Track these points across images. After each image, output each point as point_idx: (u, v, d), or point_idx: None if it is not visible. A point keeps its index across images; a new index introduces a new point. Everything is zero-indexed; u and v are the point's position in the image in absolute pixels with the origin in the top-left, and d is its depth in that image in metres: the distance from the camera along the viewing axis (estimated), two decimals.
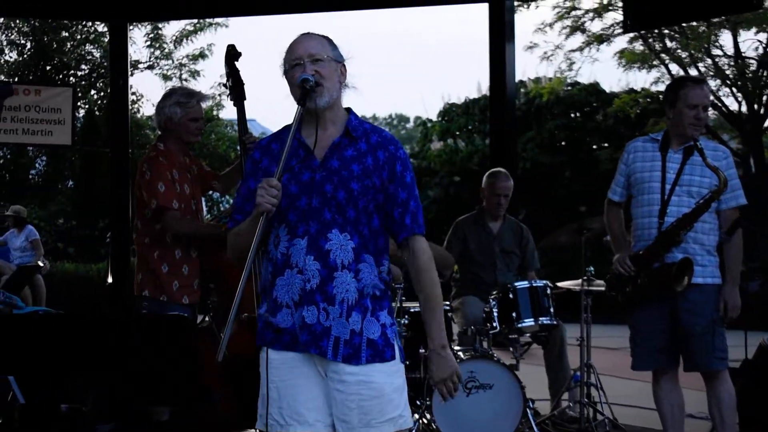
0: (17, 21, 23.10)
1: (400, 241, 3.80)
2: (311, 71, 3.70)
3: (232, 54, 6.35)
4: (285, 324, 3.67)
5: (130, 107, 12.21)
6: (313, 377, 3.70)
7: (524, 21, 46.32)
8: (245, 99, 6.29)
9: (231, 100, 6.34)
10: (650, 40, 19.48)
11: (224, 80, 6.42)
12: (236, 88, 6.30)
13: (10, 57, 23.88)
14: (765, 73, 19.33)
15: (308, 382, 3.70)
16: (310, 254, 3.62)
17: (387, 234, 3.80)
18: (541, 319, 6.70)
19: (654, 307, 5.65)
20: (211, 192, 23.48)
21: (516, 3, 17.46)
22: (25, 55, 23.67)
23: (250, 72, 6.40)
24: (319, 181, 3.67)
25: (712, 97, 19.09)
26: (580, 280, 7.12)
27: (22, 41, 23.71)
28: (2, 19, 22.66)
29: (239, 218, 3.81)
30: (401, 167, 3.78)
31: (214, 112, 24.89)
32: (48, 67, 23.60)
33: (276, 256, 3.70)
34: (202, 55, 24.17)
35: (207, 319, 6.23)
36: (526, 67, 39.83)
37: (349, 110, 3.85)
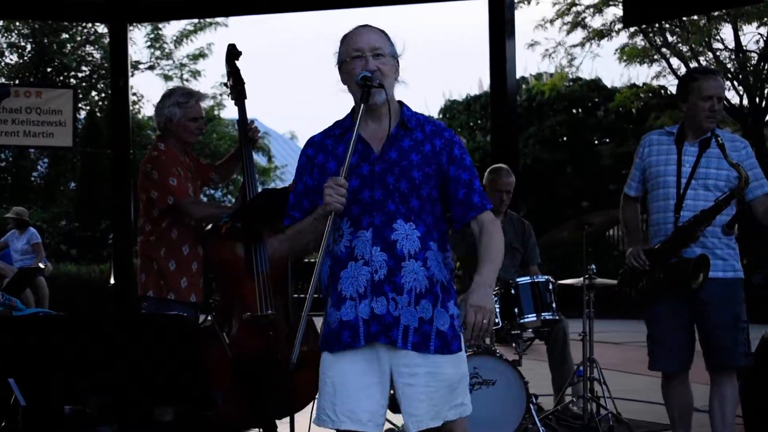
0: (17, 23, 23.11)
1: (468, 220, 3.82)
2: (374, 66, 3.70)
3: (233, 53, 6.37)
4: (348, 317, 3.69)
5: (130, 108, 12.22)
6: (373, 376, 3.71)
7: (525, 18, 46.26)
8: (246, 98, 6.31)
9: (232, 99, 6.37)
10: (651, 34, 19.47)
11: (225, 80, 6.45)
12: (237, 87, 6.32)
13: (11, 59, 23.94)
14: (766, 67, 19.32)
15: (366, 381, 3.71)
16: (377, 245, 3.66)
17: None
18: (543, 314, 6.69)
19: (672, 303, 5.53)
20: (212, 191, 23.46)
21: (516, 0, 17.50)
22: (26, 57, 23.70)
23: (250, 71, 6.40)
24: (380, 173, 3.71)
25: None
26: (581, 278, 7.11)
27: (23, 43, 23.75)
28: (2, 21, 22.66)
29: (297, 215, 3.86)
30: (459, 150, 3.84)
31: (215, 112, 24.92)
32: (48, 69, 23.61)
33: (339, 250, 3.72)
34: (202, 55, 24.21)
35: (209, 318, 6.23)
36: (528, 64, 39.81)
37: (401, 103, 3.86)
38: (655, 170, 5.61)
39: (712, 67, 19.31)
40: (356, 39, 3.76)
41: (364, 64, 3.70)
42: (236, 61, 6.37)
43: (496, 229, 3.85)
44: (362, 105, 3.66)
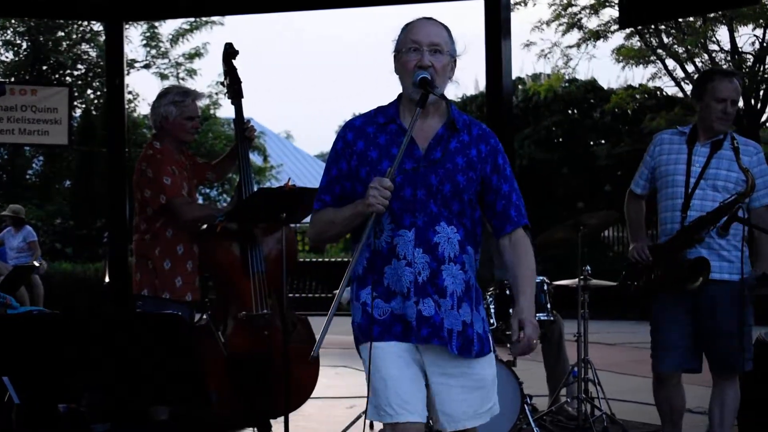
0: (12, 21, 23.08)
1: (504, 234, 3.81)
2: (428, 62, 3.63)
3: (230, 52, 6.39)
4: (400, 311, 3.65)
5: (126, 106, 12.20)
6: (416, 368, 3.69)
7: (521, 20, 46.28)
8: (243, 97, 6.32)
9: (229, 98, 6.39)
10: (646, 35, 19.48)
11: (222, 79, 6.46)
12: (234, 86, 6.34)
13: (6, 57, 23.87)
14: (762, 68, 19.33)
15: (413, 373, 3.68)
16: (419, 247, 3.63)
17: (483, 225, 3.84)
18: (538, 314, 6.68)
19: (674, 305, 5.53)
20: (207, 190, 23.48)
21: (513, 1, 17.50)
22: (21, 55, 23.65)
23: (246, 70, 6.41)
24: (423, 173, 3.65)
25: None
26: (576, 279, 7.12)
27: (18, 41, 23.69)
28: None
29: (327, 199, 3.79)
30: (502, 160, 3.82)
31: (211, 111, 24.89)
32: (44, 67, 23.58)
33: (380, 244, 3.66)
34: (198, 54, 24.16)
35: (205, 316, 6.24)
36: (524, 65, 39.79)
37: (448, 101, 3.74)
38: (664, 169, 5.60)
39: (709, 68, 19.35)
40: (416, 31, 3.69)
41: (420, 59, 3.64)
42: (233, 60, 6.38)
43: (525, 250, 3.83)
44: (417, 108, 3.59)
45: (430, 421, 3.85)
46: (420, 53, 3.64)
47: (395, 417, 3.62)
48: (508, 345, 6.66)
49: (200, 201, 22.52)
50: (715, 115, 5.51)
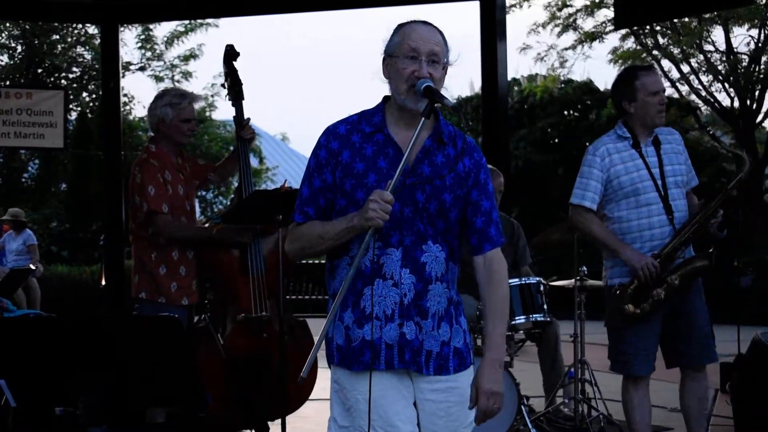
0: (7, 24, 23.07)
1: (481, 253, 3.61)
2: (426, 73, 3.42)
3: (231, 54, 6.38)
4: (370, 337, 3.44)
5: (122, 109, 12.20)
6: (401, 387, 3.52)
7: (516, 22, 46.31)
8: (244, 99, 6.31)
9: (229, 100, 6.37)
10: (642, 36, 19.50)
11: (221, 80, 6.47)
12: (235, 88, 6.33)
13: (1, 60, 23.89)
14: (757, 69, 19.36)
15: (397, 393, 3.50)
16: (406, 267, 3.45)
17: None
18: (533, 315, 6.69)
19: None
20: (204, 193, 23.40)
21: (508, 2, 17.50)
22: (16, 59, 23.65)
23: (242, 72, 6.41)
24: (410, 188, 3.45)
25: (704, 93, 19.16)
26: (573, 280, 7.12)
27: (13, 44, 23.69)
28: None
29: (311, 212, 3.54)
30: (484, 175, 3.61)
31: (207, 113, 24.91)
32: (39, 70, 23.56)
33: (363, 264, 3.43)
34: (193, 56, 24.17)
35: (204, 318, 6.23)
36: (519, 66, 39.84)
37: (437, 113, 3.54)
38: (627, 178, 5.45)
39: (702, 69, 19.40)
40: (415, 37, 3.47)
41: (418, 70, 3.42)
42: (234, 62, 6.38)
43: (502, 275, 3.65)
44: (423, 119, 3.37)
45: None
46: (418, 62, 3.44)
47: None
48: (509, 354, 6.68)
49: (197, 204, 22.51)
50: (655, 109, 5.45)
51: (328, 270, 3.60)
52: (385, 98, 3.60)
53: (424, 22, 3.55)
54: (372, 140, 3.50)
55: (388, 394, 3.47)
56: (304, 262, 22.35)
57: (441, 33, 3.55)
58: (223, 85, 6.46)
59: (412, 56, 3.44)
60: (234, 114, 6.33)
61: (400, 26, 3.55)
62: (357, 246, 3.39)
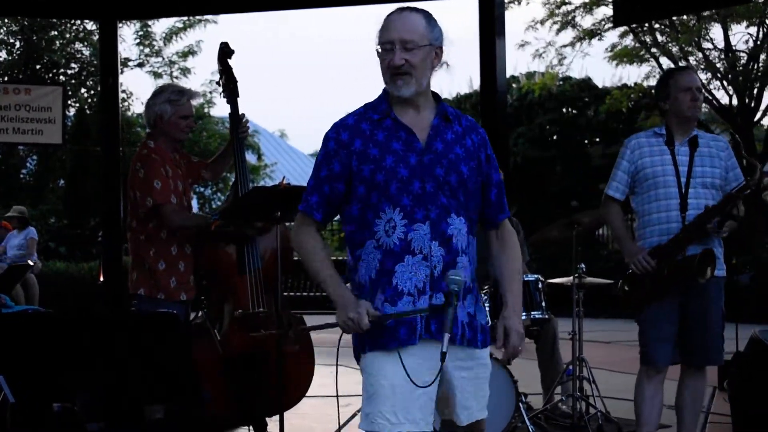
0: (6, 20, 23.03)
1: (496, 223, 3.86)
2: (400, 60, 3.56)
3: (225, 52, 6.39)
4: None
5: (120, 105, 12.18)
6: (425, 373, 3.54)
7: (514, 19, 46.32)
8: (239, 96, 6.32)
9: (224, 97, 6.37)
10: (640, 34, 19.50)
11: (217, 78, 6.46)
12: (229, 86, 6.34)
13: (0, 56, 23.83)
14: (755, 66, 19.36)
15: (420, 380, 3.54)
16: (435, 240, 3.57)
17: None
18: (532, 313, 6.69)
19: (666, 301, 5.54)
20: (202, 189, 23.43)
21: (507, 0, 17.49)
22: (15, 55, 23.59)
23: (240, 69, 6.41)
24: (428, 165, 3.60)
25: (703, 91, 19.16)
26: (571, 277, 7.12)
27: (11, 40, 23.64)
28: None
29: (314, 200, 3.68)
30: (490, 150, 3.81)
31: (205, 110, 24.88)
32: (37, 66, 23.52)
33: (392, 242, 3.57)
34: (191, 52, 24.14)
35: (201, 315, 6.23)
36: (518, 63, 39.89)
37: (434, 92, 3.74)
38: (651, 171, 5.58)
39: (701, 67, 19.39)
40: (389, 28, 3.61)
41: (390, 59, 3.58)
42: (229, 60, 6.38)
43: (514, 241, 3.88)
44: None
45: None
46: (393, 52, 3.58)
47: (396, 426, 3.56)
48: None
49: (194, 200, 22.52)
50: (686, 104, 5.60)
51: (351, 262, 3.72)
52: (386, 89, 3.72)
53: (400, 10, 3.65)
54: (382, 126, 3.64)
55: (408, 380, 3.52)
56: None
57: (421, 14, 3.65)
58: (218, 83, 6.48)
59: (387, 48, 3.59)
60: (229, 111, 6.33)
61: (386, 18, 3.66)
62: (381, 227, 3.56)
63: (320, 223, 3.73)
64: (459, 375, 3.66)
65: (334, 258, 21.13)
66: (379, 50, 3.62)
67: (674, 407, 5.78)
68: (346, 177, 3.63)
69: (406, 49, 3.57)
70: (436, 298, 3.56)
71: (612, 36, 20.11)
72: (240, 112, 6.27)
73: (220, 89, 6.41)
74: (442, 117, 3.69)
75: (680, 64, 19.34)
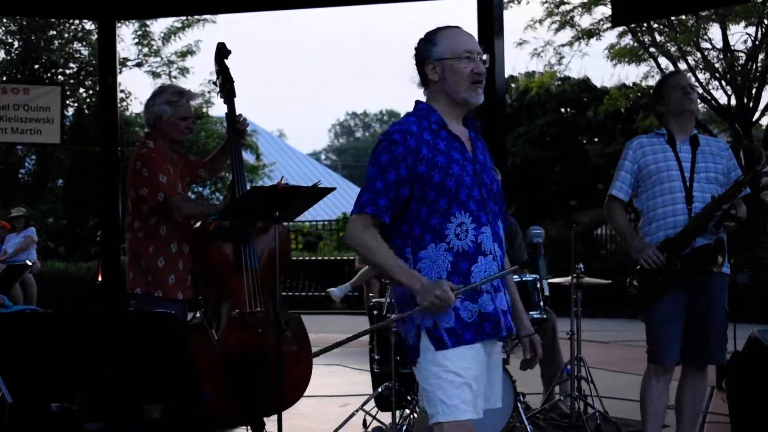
0: (4, 20, 23.03)
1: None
2: (483, 69, 3.90)
3: (222, 52, 6.40)
4: (487, 308, 3.80)
5: (119, 105, 12.17)
6: (488, 360, 3.88)
7: (514, 18, 46.32)
8: (236, 96, 6.33)
9: (221, 97, 6.38)
10: (639, 34, 19.50)
11: (214, 78, 6.47)
12: (226, 86, 6.35)
13: None
14: (754, 66, 19.36)
15: (488, 369, 3.88)
16: (495, 242, 3.85)
17: None
18: (530, 313, 6.67)
19: (674, 299, 5.54)
20: (201, 188, 23.34)
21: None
22: (13, 54, 23.59)
23: (239, 69, 6.42)
24: (479, 173, 3.88)
25: (701, 91, 19.15)
26: (569, 277, 7.12)
27: (10, 40, 23.64)
28: None
29: (382, 203, 3.79)
30: None
31: (204, 110, 24.87)
32: (36, 66, 23.52)
33: (465, 244, 3.78)
34: (190, 52, 24.13)
35: (198, 314, 6.23)
36: (516, 63, 39.91)
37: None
38: (654, 167, 5.63)
39: (700, 66, 19.40)
40: (467, 40, 3.91)
41: (476, 66, 3.86)
42: (225, 60, 6.39)
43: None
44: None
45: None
46: (473, 61, 3.86)
47: (478, 413, 3.79)
48: (506, 351, 6.69)
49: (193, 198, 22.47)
50: (679, 98, 5.69)
51: (410, 262, 3.82)
52: (417, 101, 3.99)
53: (460, 27, 3.98)
54: (440, 136, 3.86)
55: (483, 372, 3.83)
56: (300, 258, 22.10)
57: None
58: (215, 83, 6.48)
59: (468, 56, 3.87)
60: (226, 111, 6.35)
61: (438, 33, 3.95)
62: (452, 231, 3.76)
63: (386, 225, 3.84)
64: (492, 367, 3.94)
65: (332, 258, 21.18)
66: (454, 58, 3.86)
67: (674, 407, 5.78)
68: (411, 182, 3.78)
69: (482, 60, 3.91)
70: (507, 295, 3.91)
71: (610, 36, 20.14)
72: (237, 112, 6.28)
73: (218, 89, 6.42)
74: (473, 129, 3.98)
75: (679, 64, 19.35)
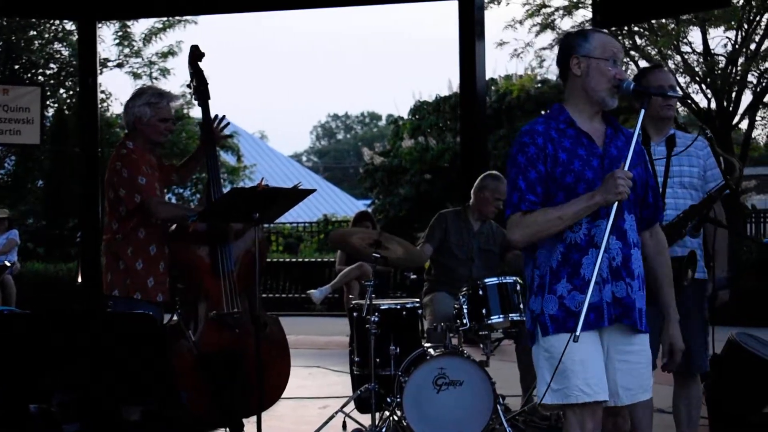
0: None
1: (652, 225, 4.29)
2: (626, 76, 4.07)
3: (196, 54, 6.43)
4: (593, 299, 3.86)
5: (99, 106, 12.16)
6: (598, 350, 3.99)
7: (494, 18, 46.39)
8: (209, 98, 6.34)
9: (195, 100, 6.40)
10: (619, 37, 19.56)
11: (189, 81, 6.48)
12: (200, 88, 6.36)
13: None
14: (734, 70, 19.45)
15: (599, 357, 3.98)
16: (612, 234, 3.92)
17: None
18: (510, 315, 6.68)
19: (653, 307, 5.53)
20: (181, 190, 23.27)
21: (486, 0, 17.53)
22: None
23: (220, 70, 6.42)
24: (608, 167, 3.98)
25: (680, 93, 19.22)
26: None
27: None
28: None
29: (533, 199, 4.01)
30: (646, 156, 4.36)
31: (185, 111, 24.82)
32: (16, 66, 23.42)
33: (578, 237, 3.96)
34: (171, 53, 24.08)
35: (175, 316, 6.22)
36: (497, 65, 39.95)
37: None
38: None
39: (680, 70, 19.47)
40: (617, 46, 4.08)
41: (618, 72, 4.03)
42: (199, 63, 6.40)
43: (664, 246, 4.38)
44: (642, 111, 4.00)
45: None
46: (617, 68, 4.04)
47: (592, 396, 3.91)
48: (485, 353, 6.70)
49: (172, 200, 22.44)
50: (659, 104, 5.43)
51: (540, 251, 4.04)
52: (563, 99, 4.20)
53: (597, 29, 4.29)
54: (566, 134, 4.06)
55: (598, 356, 3.98)
56: (281, 260, 22.00)
57: None
58: (189, 86, 6.49)
59: (614, 60, 4.04)
60: (201, 114, 6.36)
61: (592, 31, 4.17)
62: (585, 223, 3.95)
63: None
64: (619, 358, 4.06)
65: (312, 260, 21.15)
66: (601, 58, 4.02)
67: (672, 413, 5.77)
68: (545, 178, 4.01)
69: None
70: (616, 286, 3.96)
71: None
72: (212, 114, 6.29)
73: (192, 92, 6.43)
74: (614, 127, 4.13)
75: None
